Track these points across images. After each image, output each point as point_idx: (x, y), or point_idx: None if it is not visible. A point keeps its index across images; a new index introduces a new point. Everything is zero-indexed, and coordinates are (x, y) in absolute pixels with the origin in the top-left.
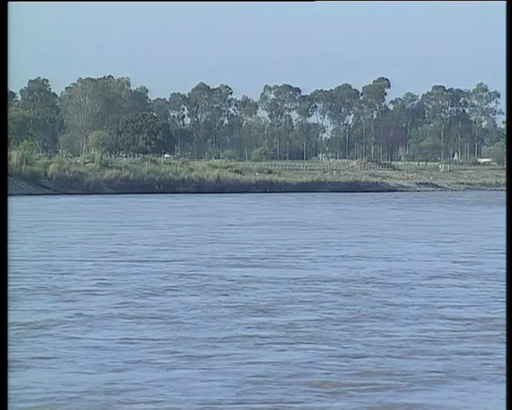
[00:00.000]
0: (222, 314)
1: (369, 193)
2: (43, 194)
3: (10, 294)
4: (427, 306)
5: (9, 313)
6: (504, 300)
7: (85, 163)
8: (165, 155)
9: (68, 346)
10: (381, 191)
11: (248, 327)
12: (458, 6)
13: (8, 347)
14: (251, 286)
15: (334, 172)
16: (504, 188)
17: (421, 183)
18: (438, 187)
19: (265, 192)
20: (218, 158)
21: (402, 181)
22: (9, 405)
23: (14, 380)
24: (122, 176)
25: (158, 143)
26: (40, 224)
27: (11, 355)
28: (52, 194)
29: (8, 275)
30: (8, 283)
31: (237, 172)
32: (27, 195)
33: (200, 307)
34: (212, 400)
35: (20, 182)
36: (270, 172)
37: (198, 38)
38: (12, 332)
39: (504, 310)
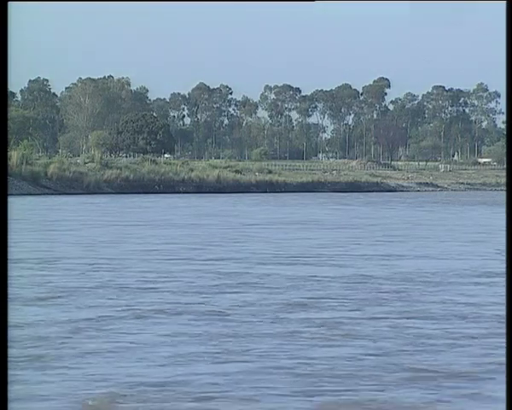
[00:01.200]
0: (277, 310)
1: (370, 193)
2: (43, 194)
3: (76, 291)
4: (475, 304)
5: (76, 309)
6: None
7: (85, 163)
8: (166, 155)
9: (126, 340)
10: (381, 191)
11: (303, 323)
12: (458, 6)
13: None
14: (306, 284)
15: (334, 172)
16: (504, 188)
17: (421, 183)
18: (438, 187)
19: (265, 192)
20: (218, 158)
21: (402, 181)
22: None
23: (84, 370)
24: (122, 176)
25: (158, 143)
26: (62, 224)
27: (85, 347)
28: (52, 194)
29: (63, 273)
30: (69, 281)
31: (237, 172)
32: (27, 195)
33: (257, 305)
34: (284, 392)
35: (20, 182)
36: (270, 172)
37: (198, 38)
38: (76, 326)
39: None
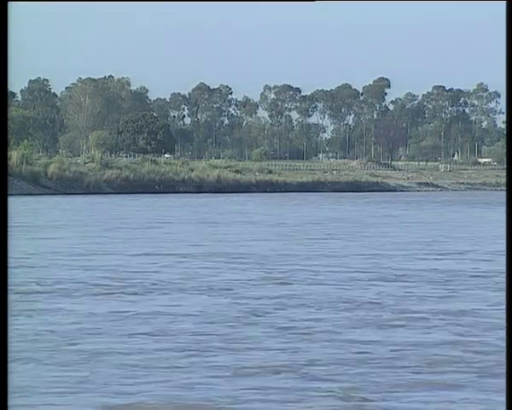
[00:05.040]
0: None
1: (370, 193)
2: (44, 194)
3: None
4: None
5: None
6: None
7: (85, 163)
8: (166, 155)
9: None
10: (381, 191)
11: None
12: (458, 6)
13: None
14: (445, 278)
15: (335, 172)
16: (504, 188)
17: (421, 183)
18: (438, 187)
19: (266, 192)
20: (219, 158)
21: (402, 181)
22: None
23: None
24: (122, 176)
25: (158, 143)
26: (126, 222)
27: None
28: (52, 194)
29: (209, 268)
30: (220, 273)
31: (237, 172)
32: (27, 195)
33: (393, 295)
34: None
35: (20, 182)
36: (270, 172)
37: (198, 38)
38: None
39: None
